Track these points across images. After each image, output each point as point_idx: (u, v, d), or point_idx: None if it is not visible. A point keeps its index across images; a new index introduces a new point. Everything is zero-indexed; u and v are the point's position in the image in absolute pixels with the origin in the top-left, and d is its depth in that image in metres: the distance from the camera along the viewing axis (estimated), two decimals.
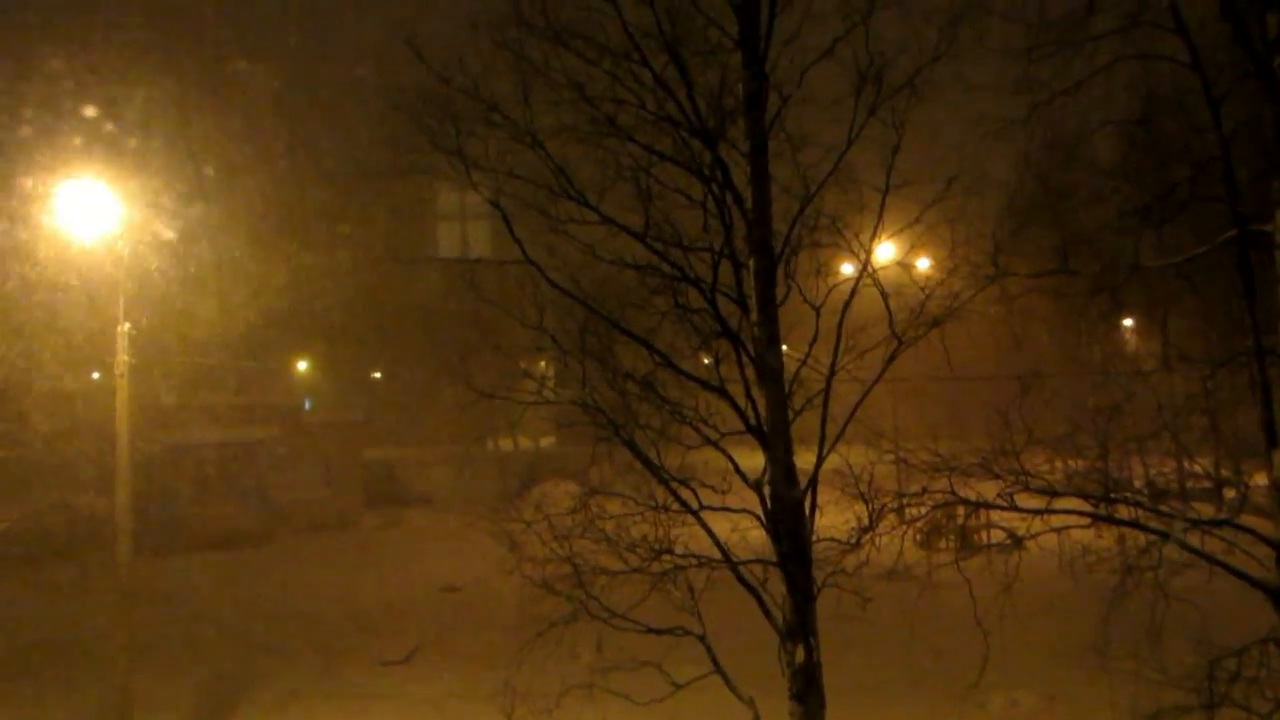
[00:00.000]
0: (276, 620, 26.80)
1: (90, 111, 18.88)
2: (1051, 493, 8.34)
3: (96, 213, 15.09)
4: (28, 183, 15.62)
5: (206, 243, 23.34)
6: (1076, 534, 8.87)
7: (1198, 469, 10.46)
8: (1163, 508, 8.62)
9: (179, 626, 25.34)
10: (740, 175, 8.07)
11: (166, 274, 18.46)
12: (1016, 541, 9.17)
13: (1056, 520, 8.44)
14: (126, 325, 15.73)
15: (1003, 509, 8.44)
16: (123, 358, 15.66)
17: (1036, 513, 8.30)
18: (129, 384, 15.77)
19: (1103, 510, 8.38)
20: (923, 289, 8.71)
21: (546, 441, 52.32)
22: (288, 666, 22.64)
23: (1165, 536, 8.04)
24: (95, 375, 19.93)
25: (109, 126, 17.94)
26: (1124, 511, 8.46)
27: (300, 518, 40.20)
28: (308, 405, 52.65)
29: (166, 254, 17.93)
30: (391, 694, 20.47)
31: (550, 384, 9.55)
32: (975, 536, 24.49)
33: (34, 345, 15.75)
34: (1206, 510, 8.64)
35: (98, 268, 15.76)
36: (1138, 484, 11.06)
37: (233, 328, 33.58)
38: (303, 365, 57.98)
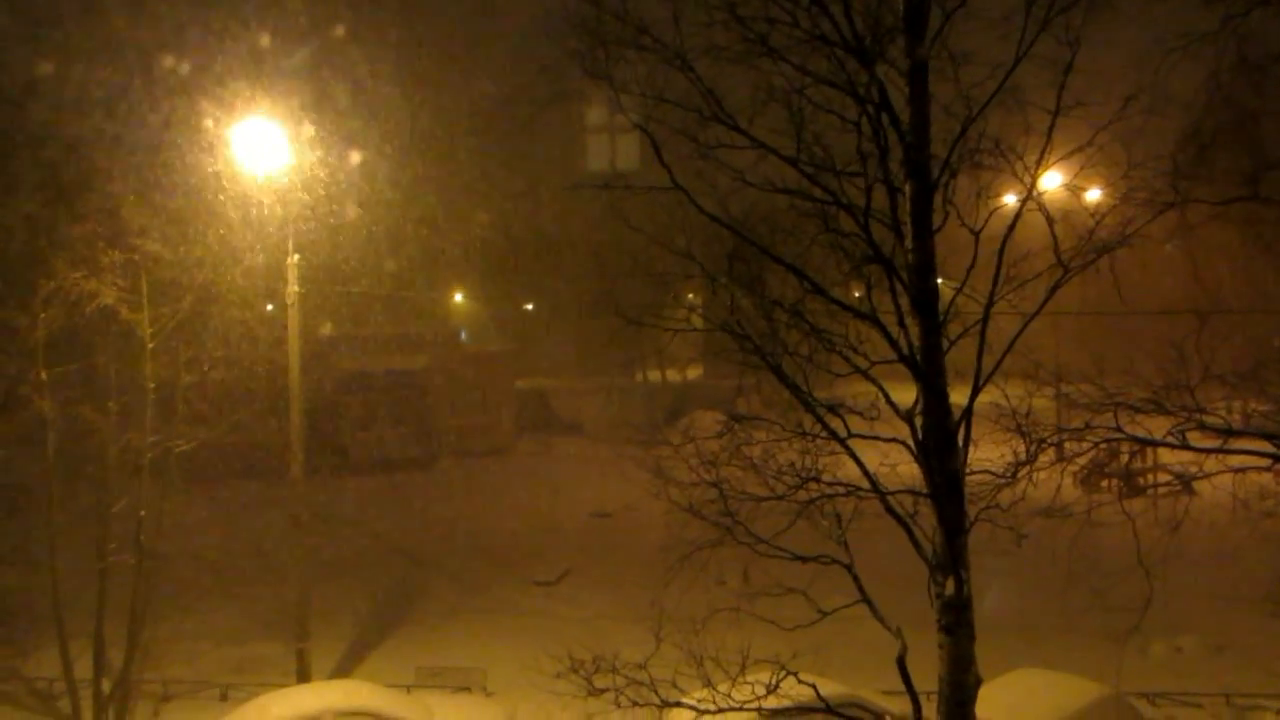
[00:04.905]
0: (436, 540, 28.19)
1: (256, 52, 19.70)
2: (1229, 431, 7.85)
3: (268, 150, 15.79)
4: (205, 120, 16.44)
5: (365, 177, 24.13)
6: (1254, 478, 8.35)
7: None
8: None
9: (349, 543, 26.96)
10: (898, 96, 7.75)
11: (329, 209, 19.22)
12: (1186, 485, 8.71)
13: (1234, 461, 7.95)
14: (296, 257, 16.52)
15: (1174, 447, 7.99)
16: (293, 288, 16.48)
17: (1211, 451, 7.83)
18: (299, 313, 16.61)
19: None
20: (1093, 214, 8.23)
21: (694, 373, 52.59)
22: (448, 583, 23.85)
23: None
24: (270, 307, 21.01)
25: (274, 65, 18.67)
26: None
27: (458, 443, 41.85)
28: (463, 336, 54.39)
29: (328, 189, 18.65)
30: (544, 613, 21.33)
31: (698, 311, 9.54)
32: (1140, 479, 23.44)
33: (212, 277, 16.70)
34: None
35: (269, 203, 16.55)
36: None
37: (393, 259, 34.85)
38: (459, 297, 59.84)
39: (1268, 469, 8.07)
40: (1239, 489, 8.74)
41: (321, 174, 17.58)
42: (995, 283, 8.05)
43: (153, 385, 15.68)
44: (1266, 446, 7.85)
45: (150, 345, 15.58)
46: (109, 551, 16.02)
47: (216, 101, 16.40)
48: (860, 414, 8.24)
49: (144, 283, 15.47)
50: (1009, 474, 8.18)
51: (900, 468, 8.32)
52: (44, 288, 15.07)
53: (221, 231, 16.61)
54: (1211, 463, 7.91)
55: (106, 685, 16.28)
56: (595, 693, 8.65)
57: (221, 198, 16.35)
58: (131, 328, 15.51)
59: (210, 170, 16.21)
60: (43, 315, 15.16)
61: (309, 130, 16.77)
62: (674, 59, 7.82)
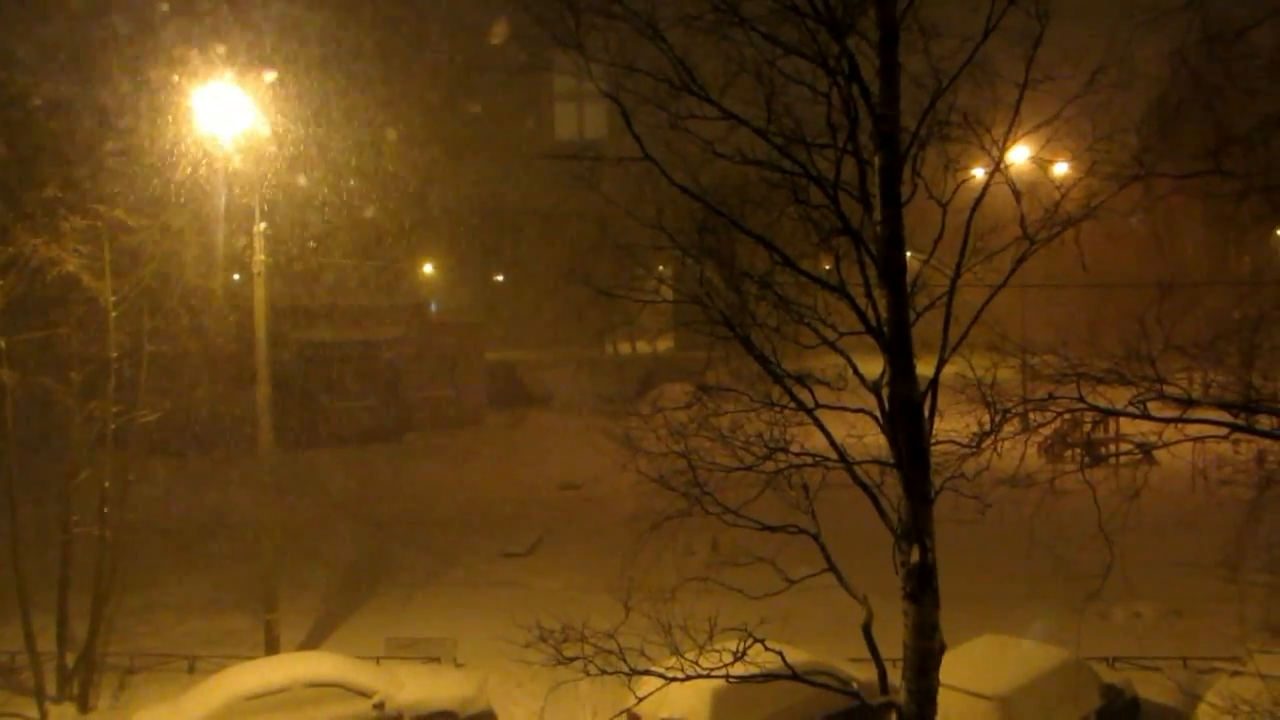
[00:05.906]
0: (406, 512, 28.12)
1: (223, 16, 19.35)
2: (1188, 401, 7.98)
3: (233, 116, 15.53)
4: (167, 86, 16.13)
5: (333, 146, 23.86)
6: (1212, 447, 8.50)
7: None
8: None
9: (317, 515, 26.86)
10: (868, 68, 7.76)
11: (297, 177, 18.99)
12: (1146, 454, 8.85)
13: (1193, 430, 8.08)
14: (263, 226, 16.29)
15: (1135, 416, 8.11)
16: (260, 257, 16.27)
17: (1171, 421, 7.95)
18: (266, 283, 16.42)
19: (1243, 421, 7.98)
20: (1058, 188, 8.31)
21: (664, 346, 52.62)
22: (418, 555, 23.83)
23: None
24: (236, 277, 20.74)
25: (241, 30, 18.36)
26: (1266, 423, 8.04)
27: (427, 416, 41.65)
28: (433, 307, 54.01)
29: (296, 157, 18.41)
30: (514, 584, 21.38)
31: (668, 283, 9.54)
32: (1102, 448, 23.78)
33: (178, 246, 16.46)
34: None
35: (235, 171, 16.30)
36: None
37: (361, 230, 34.53)
38: (428, 268, 59.41)
39: (1225, 438, 8.21)
40: (1198, 458, 8.91)
41: (287, 142, 17.35)
42: (962, 255, 8.11)
43: (116, 355, 15.48)
44: (1224, 416, 7.98)
45: (113, 314, 15.36)
46: (72, 523, 15.86)
47: (180, 66, 16.10)
48: (828, 385, 8.31)
49: (106, 250, 15.21)
50: (974, 444, 8.28)
51: (867, 438, 8.40)
52: (2, 254, 14.79)
53: (185, 199, 16.36)
54: (1171, 432, 8.03)
55: (70, 658, 16.18)
56: (564, 661, 8.70)
57: (185, 164, 16.09)
58: (94, 296, 15.28)
59: (174, 136, 15.94)
60: (1, 282, 14.89)
61: (273, 97, 16.52)
62: (645, 28, 7.77)
